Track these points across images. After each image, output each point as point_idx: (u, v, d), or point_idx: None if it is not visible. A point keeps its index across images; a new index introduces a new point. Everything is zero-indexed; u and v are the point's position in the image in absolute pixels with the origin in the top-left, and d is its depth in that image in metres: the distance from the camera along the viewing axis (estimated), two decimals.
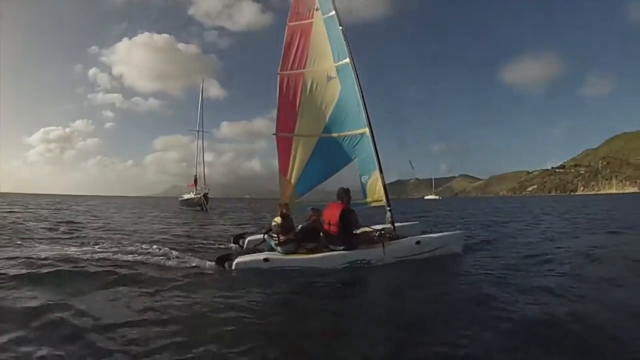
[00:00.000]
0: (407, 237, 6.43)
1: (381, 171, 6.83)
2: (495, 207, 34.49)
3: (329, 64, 7.23)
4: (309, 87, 7.09)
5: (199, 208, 33.18)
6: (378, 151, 6.73)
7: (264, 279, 5.05)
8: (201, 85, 40.10)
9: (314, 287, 4.87)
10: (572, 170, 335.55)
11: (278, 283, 4.94)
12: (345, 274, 5.36)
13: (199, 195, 34.95)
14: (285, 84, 7.18)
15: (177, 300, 4.10)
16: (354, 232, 5.92)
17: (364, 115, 6.84)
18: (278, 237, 5.83)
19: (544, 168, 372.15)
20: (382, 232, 6.34)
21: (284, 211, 6.00)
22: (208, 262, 5.76)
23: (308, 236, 5.86)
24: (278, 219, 5.94)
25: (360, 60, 7.29)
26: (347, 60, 7.01)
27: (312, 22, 7.46)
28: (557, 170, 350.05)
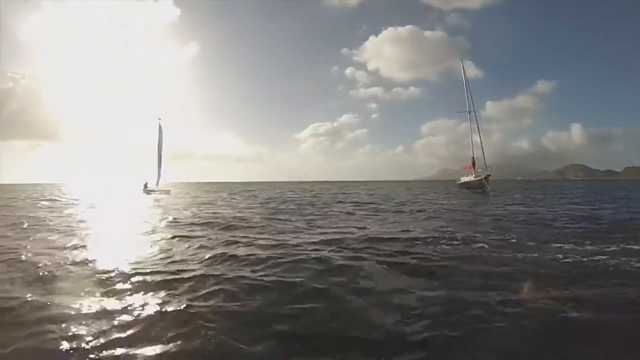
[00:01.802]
0: None
1: None
2: None
3: None
4: None
5: (479, 190, 31.68)
6: None
7: None
8: (461, 66, 37.77)
9: None
10: None
11: None
12: None
13: (479, 178, 33.23)
14: None
15: None
16: None
17: None
18: None
19: None
20: None
21: None
22: None
23: None
24: None
25: None
26: None
27: None
28: None
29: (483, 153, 35.79)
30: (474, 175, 35.45)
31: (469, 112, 37.00)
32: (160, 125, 32.55)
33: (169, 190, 32.97)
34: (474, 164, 36.61)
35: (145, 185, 32.36)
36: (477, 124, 36.71)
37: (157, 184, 32.25)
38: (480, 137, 36.35)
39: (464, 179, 37.50)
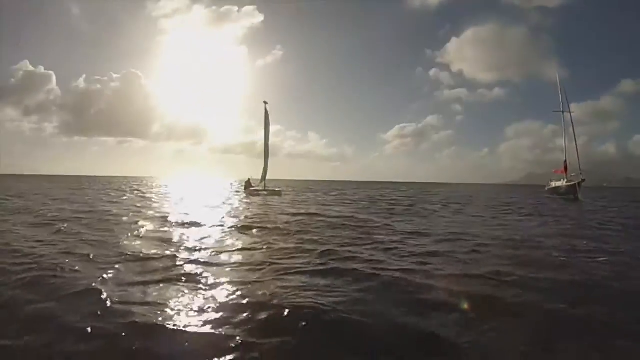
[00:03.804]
0: None
1: None
2: None
3: None
4: None
5: (570, 196, 29.85)
6: None
7: None
8: (553, 67, 36.27)
9: None
10: None
11: None
12: None
13: (572, 183, 31.37)
14: None
15: None
16: None
17: None
18: None
19: None
20: None
21: None
22: None
23: None
24: None
25: None
26: None
27: None
28: None
29: (578, 156, 33.80)
30: (566, 180, 33.63)
31: (562, 112, 35.01)
32: (266, 110, 25.39)
33: (280, 191, 25.40)
34: (566, 168, 34.58)
35: (249, 183, 25.63)
36: (573, 125, 34.93)
37: (264, 180, 25.10)
38: (575, 139, 34.55)
39: (555, 183, 35.67)
